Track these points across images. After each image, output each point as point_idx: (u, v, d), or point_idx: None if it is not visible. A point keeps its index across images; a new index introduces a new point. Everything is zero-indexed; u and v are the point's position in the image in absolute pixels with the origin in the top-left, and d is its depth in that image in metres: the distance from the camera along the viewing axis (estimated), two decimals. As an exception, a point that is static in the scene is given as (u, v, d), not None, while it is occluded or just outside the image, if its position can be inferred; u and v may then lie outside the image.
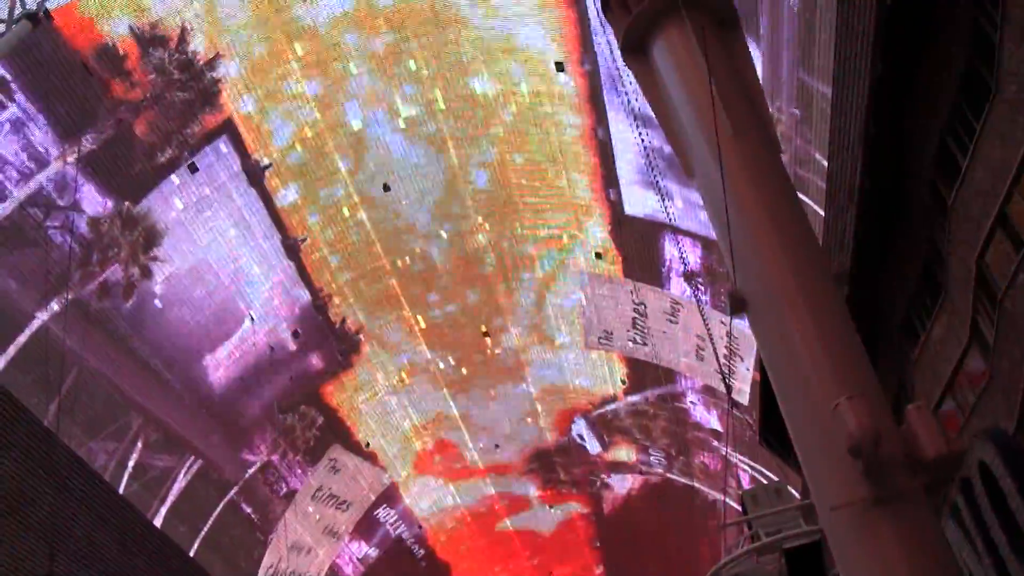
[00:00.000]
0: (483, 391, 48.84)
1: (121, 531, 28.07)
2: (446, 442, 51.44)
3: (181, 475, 36.23)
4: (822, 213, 23.85)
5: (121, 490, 31.81)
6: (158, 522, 34.12)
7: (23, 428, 23.81)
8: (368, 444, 47.53)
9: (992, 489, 14.44)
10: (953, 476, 11.32)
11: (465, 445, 52.26)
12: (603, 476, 56.46)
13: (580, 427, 52.54)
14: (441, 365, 46.54)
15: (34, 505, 23.86)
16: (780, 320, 10.20)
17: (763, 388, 28.04)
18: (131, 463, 33.45)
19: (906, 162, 20.29)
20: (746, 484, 44.82)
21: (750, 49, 12.69)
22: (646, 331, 42.04)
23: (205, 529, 38.21)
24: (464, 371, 47.27)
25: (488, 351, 46.46)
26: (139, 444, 33.76)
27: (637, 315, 41.69)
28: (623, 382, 47.11)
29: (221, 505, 39.19)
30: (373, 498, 50.59)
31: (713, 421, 44.77)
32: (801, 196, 25.32)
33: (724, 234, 10.62)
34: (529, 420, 51.51)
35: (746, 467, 43.12)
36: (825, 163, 23.16)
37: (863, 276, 22.35)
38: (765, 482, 38.84)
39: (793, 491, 18.23)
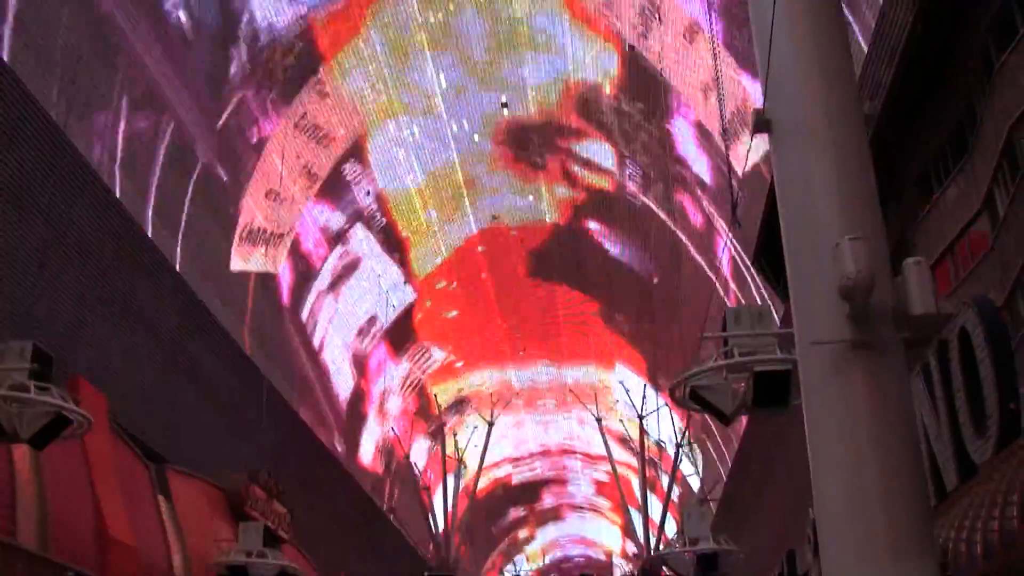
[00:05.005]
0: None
1: (115, 235, 28.34)
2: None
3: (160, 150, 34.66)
4: (865, 50, 23.31)
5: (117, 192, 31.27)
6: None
7: (29, 118, 23.73)
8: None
9: (967, 356, 14.60)
10: (934, 336, 11.41)
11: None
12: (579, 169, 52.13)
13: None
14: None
15: (31, 194, 23.97)
16: (800, 147, 10.09)
17: (767, 211, 28.09)
18: (120, 141, 32.13)
19: (964, 16, 19.74)
20: (730, 300, 45.06)
21: None
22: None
23: (182, 226, 36.95)
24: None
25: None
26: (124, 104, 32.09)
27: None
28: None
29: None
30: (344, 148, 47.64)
31: (698, 166, 43.55)
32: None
33: (764, 52, 10.37)
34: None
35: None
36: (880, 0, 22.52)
37: (892, 122, 22.06)
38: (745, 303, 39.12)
39: (776, 316, 18.43)
